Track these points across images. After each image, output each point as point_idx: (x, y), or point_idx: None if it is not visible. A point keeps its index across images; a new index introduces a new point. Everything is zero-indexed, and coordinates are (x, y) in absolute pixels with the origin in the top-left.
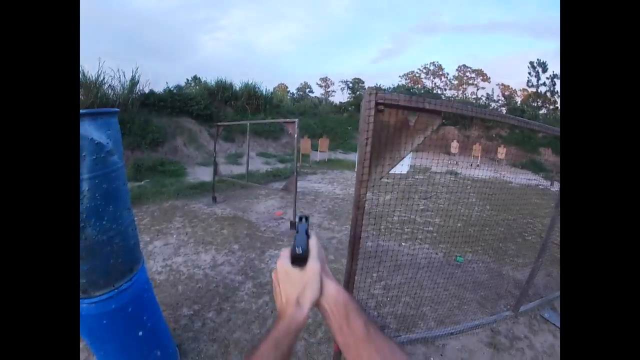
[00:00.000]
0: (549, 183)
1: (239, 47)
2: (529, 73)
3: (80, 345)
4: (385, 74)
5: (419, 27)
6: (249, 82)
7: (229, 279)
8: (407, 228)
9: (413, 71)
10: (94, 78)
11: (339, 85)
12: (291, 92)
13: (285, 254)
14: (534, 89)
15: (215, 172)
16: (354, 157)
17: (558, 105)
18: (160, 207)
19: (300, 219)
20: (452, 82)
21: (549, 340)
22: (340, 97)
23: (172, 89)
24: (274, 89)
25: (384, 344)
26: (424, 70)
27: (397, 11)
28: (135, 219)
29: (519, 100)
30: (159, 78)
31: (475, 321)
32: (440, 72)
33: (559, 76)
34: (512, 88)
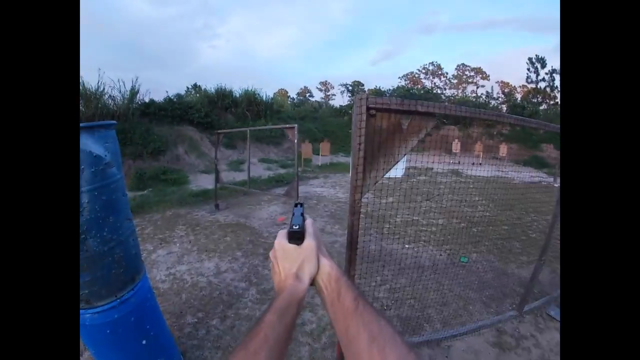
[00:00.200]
0: (551, 179)
1: (238, 53)
2: (528, 69)
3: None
4: (385, 75)
5: (417, 27)
6: (249, 89)
7: (232, 286)
8: (411, 229)
9: (412, 72)
10: (94, 89)
11: (339, 89)
12: (291, 97)
13: (282, 234)
14: (533, 85)
15: (217, 180)
16: None
17: (558, 100)
18: (163, 215)
19: (296, 204)
20: (452, 81)
21: (555, 337)
22: (341, 100)
23: (172, 97)
24: (274, 94)
25: (372, 318)
26: (423, 71)
27: (395, 12)
28: (138, 228)
29: (519, 96)
30: (159, 87)
31: (480, 322)
32: (440, 72)
33: (558, 71)
34: (511, 85)
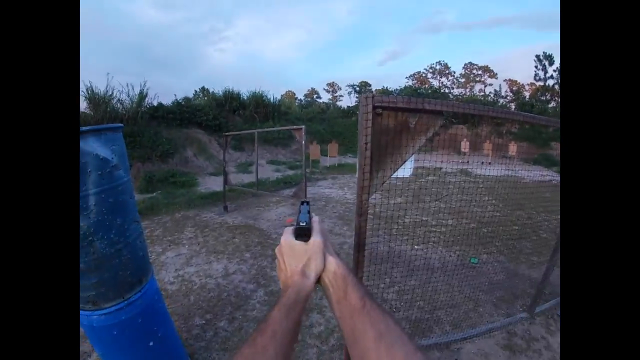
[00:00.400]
0: None
1: (244, 56)
2: (536, 67)
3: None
4: (392, 75)
5: (423, 26)
6: (257, 91)
7: (240, 288)
8: (420, 230)
9: (419, 71)
10: (102, 93)
11: (346, 90)
12: (299, 98)
13: (289, 230)
14: (541, 83)
15: (226, 182)
16: None
17: None
18: (172, 217)
19: (302, 202)
20: (459, 80)
21: None
22: (348, 101)
23: (180, 101)
24: (282, 96)
25: (379, 317)
26: (430, 70)
27: (401, 12)
28: (147, 230)
29: (527, 94)
30: (167, 91)
31: (490, 324)
32: (447, 71)
33: None
34: (519, 83)
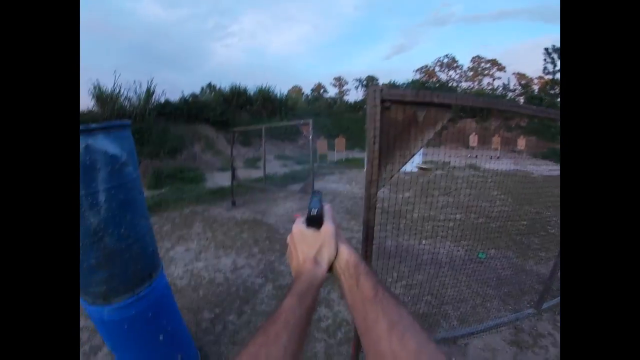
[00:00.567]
0: None
1: (251, 52)
2: (545, 60)
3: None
4: (399, 69)
5: (430, 19)
6: (263, 86)
7: (249, 282)
8: (428, 225)
9: (427, 65)
10: (110, 91)
11: (353, 84)
12: (306, 93)
13: (300, 219)
14: (550, 76)
15: (234, 177)
16: None
17: None
18: (181, 213)
19: (314, 192)
20: (467, 73)
21: None
22: (355, 95)
23: (187, 97)
24: (288, 91)
25: (391, 306)
26: (438, 64)
27: (407, 5)
28: (156, 226)
29: (536, 88)
30: (174, 88)
31: (497, 320)
32: (455, 64)
33: None
34: (528, 76)
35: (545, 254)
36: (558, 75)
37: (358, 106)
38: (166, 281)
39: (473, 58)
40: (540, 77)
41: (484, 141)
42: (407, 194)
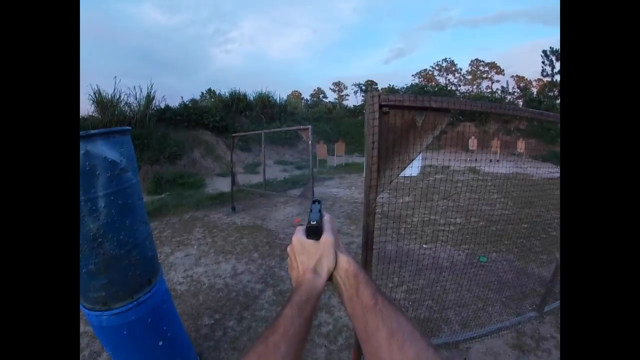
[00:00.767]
0: None
1: (250, 57)
2: (543, 62)
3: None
4: (398, 73)
5: (428, 24)
6: (263, 92)
7: (249, 288)
8: (428, 229)
9: (426, 69)
10: (110, 96)
11: (352, 89)
12: (305, 98)
13: (300, 229)
14: (549, 79)
15: (233, 182)
16: None
17: None
18: (181, 218)
19: (314, 202)
20: (466, 77)
21: None
22: (354, 100)
23: (187, 103)
24: (288, 96)
25: (391, 314)
26: (437, 68)
27: (405, 9)
28: (156, 231)
29: (534, 91)
30: (174, 93)
31: (499, 323)
32: (453, 68)
33: None
34: (527, 79)
35: (547, 256)
36: (556, 78)
37: (357, 111)
38: (166, 287)
39: (472, 61)
40: (538, 80)
41: (484, 144)
42: (407, 198)
